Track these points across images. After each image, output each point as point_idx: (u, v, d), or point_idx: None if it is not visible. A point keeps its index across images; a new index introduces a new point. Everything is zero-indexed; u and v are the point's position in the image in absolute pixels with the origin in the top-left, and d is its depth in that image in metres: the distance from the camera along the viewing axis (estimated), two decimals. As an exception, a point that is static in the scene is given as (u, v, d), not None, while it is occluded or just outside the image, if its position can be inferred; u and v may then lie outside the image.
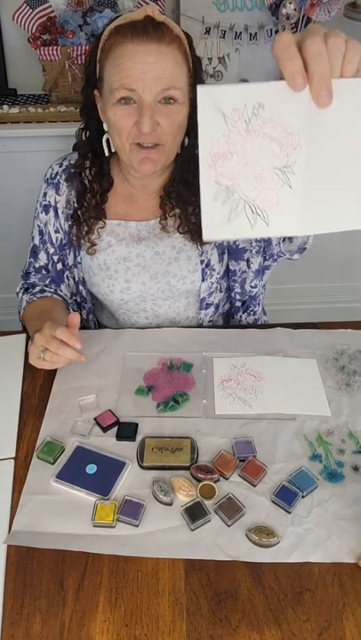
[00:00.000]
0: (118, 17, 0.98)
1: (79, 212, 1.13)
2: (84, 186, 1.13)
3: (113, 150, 1.07)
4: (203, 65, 2.07)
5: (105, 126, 1.04)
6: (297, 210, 0.63)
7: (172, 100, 0.95)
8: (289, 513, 0.81)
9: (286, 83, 0.56)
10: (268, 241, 1.14)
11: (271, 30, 2.07)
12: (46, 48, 1.89)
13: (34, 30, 1.91)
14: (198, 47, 2.08)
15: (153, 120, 0.95)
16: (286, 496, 0.82)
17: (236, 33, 2.07)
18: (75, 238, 1.15)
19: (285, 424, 0.94)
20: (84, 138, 1.11)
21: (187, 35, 0.99)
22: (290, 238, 1.11)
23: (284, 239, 1.12)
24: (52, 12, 1.92)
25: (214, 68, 2.13)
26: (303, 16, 1.98)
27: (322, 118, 0.58)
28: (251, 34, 2.08)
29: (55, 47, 1.89)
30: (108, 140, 1.06)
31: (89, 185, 1.12)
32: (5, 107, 1.96)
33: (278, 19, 2.01)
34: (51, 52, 1.89)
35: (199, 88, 0.58)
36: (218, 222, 0.64)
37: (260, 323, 1.31)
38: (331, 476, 0.86)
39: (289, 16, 1.98)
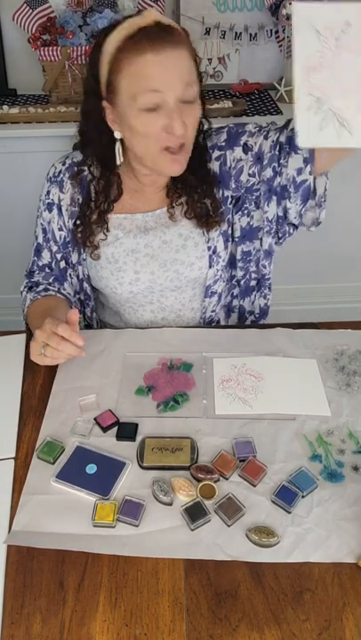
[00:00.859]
0: (116, 24, 0.97)
1: (83, 219, 1.13)
2: (90, 194, 1.13)
3: (122, 159, 1.07)
4: (203, 65, 2.10)
5: (116, 135, 1.04)
6: None
7: (191, 99, 0.97)
8: (289, 513, 0.81)
9: None
10: (282, 216, 1.15)
11: (271, 31, 2.08)
12: (46, 48, 1.89)
13: (34, 31, 1.92)
14: (198, 47, 2.09)
15: (182, 121, 0.96)
16: (286, 496, 0.82)
17: (236, 33, 2.08)
18: (79, 242, 1.16)
19: (285, 424, 0.94)
20: (94, 160, 1.11)
21: (184, 30, 1.00)
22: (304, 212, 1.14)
23: (301, 214, 1.14)
24: (52, 12, 1.92)
25: (214, 69, 2.14)
26: (303, 16, 1.97)
27: None
28: (251, 34, 2.08)
29: (55, 47, 1.89)
30: (119, 149, 1.06)
31: (95, 196, 1.13)
32: (5, 107, 1.96)
33: (278, 19, 2.01)
34: (51, 53, 1.89)
35: (295, 5, 0.64)
36: (311, 130, 0.69)
37: (270, 310, 1.32)
38: (331, 476, 0.86)
39: (289, 16, 1.98)
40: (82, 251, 1.18)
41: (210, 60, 2.12)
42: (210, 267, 1.18)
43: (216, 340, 1.12)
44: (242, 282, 1.27)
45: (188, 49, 0.97)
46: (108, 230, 1.14)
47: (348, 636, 0.69)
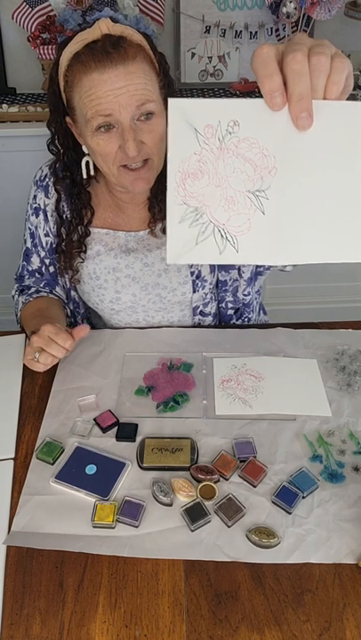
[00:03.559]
0: (70, 39, 0.92)
1: (62, 246, 1.11)
2: (62, 220, 1.11)
3: (92, 173, 1.04)
4: (203, 64, 2.10)
5: (84, 149, 1.01)
6: (270, 238, 0.59)
7: (150, 115, 0.92)
8: (289, 514, 0.81)
9: (264, 101, 0.52)
10: None
11: (272, 29, 2.07)
12: (46, 47, 1.89)
13: (33, 29, 1.91)
14: (198, 46, 2.09)
15: (137, 141, 0.92)
16: (287, 497, 0.82)
17: (237, 32, 2.07)
18: (61, 268, 1.14)
19: (286, 424, 0.94)
20: (60, 173, 1.07)
21: (145, 35, 0.95)
22: None
23: None
24: (52, 10, 1.92)
25: (214, 67, 2.13)
26: (304, 15, 1.97)
27: (300, 141, 0.54)
28: (251, 32, 2.08)
29: (54, 46, 1.88)
30: (87, 163, 1.03)
31: (69, 217, 1.10)
32: (5, 106, 1.96)
33: (278, 17, 2.00)
34: (50, 51, 1.89)
35: (170, 102, 0.53)
36: (183, 245, 0.59)
37: (259, 322, 1.30)
38: (331, 476, 0.86)
39: (289, 15, 1.98)
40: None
41: (210, 58, 2.11)
42: (194, 291, 1.15)
43: (216, 340, 1.12)
44: (219, 309, 1.23)
45: (143, 60, 0.91)
46: (85, 249, 1.12)
47: (348, 637, 0.69)
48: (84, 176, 1.05)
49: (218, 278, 1.18)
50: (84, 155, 1.03)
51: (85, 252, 1.13)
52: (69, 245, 1.11)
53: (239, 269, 1.16)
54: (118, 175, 0.98)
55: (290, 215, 0.58)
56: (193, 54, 2.10)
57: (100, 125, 0.92)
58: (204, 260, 0.61)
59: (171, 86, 0.99)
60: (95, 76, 0.88)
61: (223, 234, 0.59)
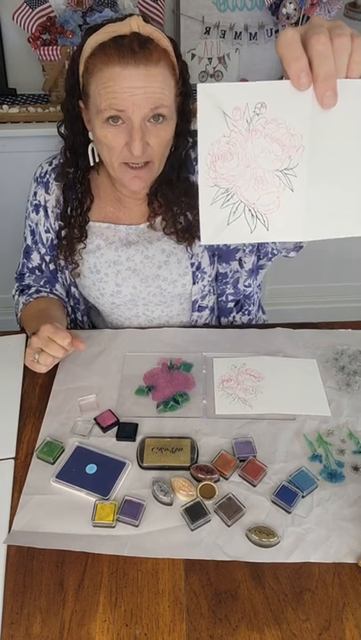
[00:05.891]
0: (99, 26, 0.93)
1: (63, 232, 1.12)
2: (65, 206, 1.11)
3: (97, 160, 1.05)
4: (203, 65, 2.10)
5: (91, 135, 1.02)
6: (299, 214, 0.61)
7: (161, 118, 0.93)
8: (289, 513, 0.81)
9: (290, 82, 0.54)
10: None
11: (271, 30, 2.08)
12: (46, 48, 1.89)
13: (34, 30, 1.91)
14: (198, 47, 2.09)
15: (143, 142, 0.93)
16: (286, 496, 0.82)
17: (236, 33, 2.07)
18: (61, 259, 1.15)
19: (285, 424, 0.94)
20: (68, 155, 1.08)
21: (172, 41, 0.96)
22: None
23: None
24: (52, 11, 1.92)
25: (214, 68, 2.14)
26: (303, 16, 1.98)
27: (326, 120, 0.56)
28: (251, 33, 2.08)
29: (55, 47, 1.89)
30: (92, 150, 1.04)
31: (70, 205, 1.11)
32: (5, 106, 1.96)
33: (278, 18, 2.01)
34: (50, 52, 1.89)
35: (199, 87, 0.55)
36: (216, 226, 0.62)
37: (257, 322, 1.30)
38: (331, 476, 0.86)
39: (289, 16, 1.98)
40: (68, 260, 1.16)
41: (210, 59, 2.12)
42: (194, 283, 1.16)
43: (216, 340, 1.12)
44: (219, 302, 1.23)
45: (165, 66, 0.91)
46: (86, 237, 1.13)
47: (348, 637, 0.69)
48: (91, 163, 1.05)
49: (218, 271, 1.18)
50: (90, 141, 1.04)
51: (86, 237, 1.13)
52: (70, 233, 1.12)
53: (240, 260, 1.17)
54: (119, 170, 0.99)
55: (318, 191, 0.60)
56: (193, 55, 2.10)
57: (111, 117, 0.92)
58: (236, 239, 0.64)
59: (187, 96, 0.99)
60: (117, 70, 0.89)
61: (254, 213, 0.61)
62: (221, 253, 1.15)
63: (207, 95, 0.56)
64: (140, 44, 0.88)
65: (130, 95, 0.89)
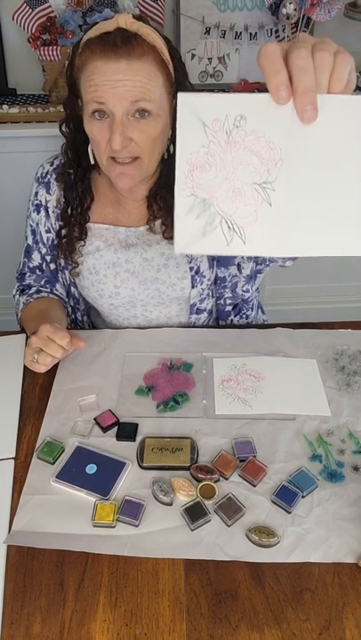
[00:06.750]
0: (94, 25, 0.95)
1: (63, 231, 1.12)
2: (67, 203, 1.12)
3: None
4: (203, 65, 2.10)
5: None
6: (276, 229, 0.60)
7: (145, 113, 0.93)
8: (289, 513, 0.81)
9: (270, 95, 0.54)
10: None
11: (271, 30, 2.08)
12: (46, 48, 1.89)
13: (34, 30, 1.92)
14: (198, 47, 2.09)
15: (124, 136, 0.93)
16: (286, 496, 0.82)
17: (237, 33, 2.08)
18: (61, 258, 1.15)
19: (285, 424, 0.94)
20: (69, 154, 1.08)
21: (166, 39, 0.96)
22: None
23: None
24: (52, 11, 1.92)
25: (214, 68, 2.14)
26: (303, 16, 1.98)
27: (306, 135, 0.55)
28: (251, 34, 2.08)
29: (55, 47, 1.89)
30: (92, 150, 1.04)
31: (71, 204, 1.11)
32: (5, 106, 1.96)
33: (278, 19, 2.01)
34: (50, 52, 1.89)
35: (179, 96, 0.55)
36: (191, 235, 0.61)
37: (257, 323, 1.30)
38: (331, 476, 0.86)
39: (289, 16, 1.98)
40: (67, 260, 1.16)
41: (210, 59, 2.12)
42: (193, 287, 1.16)
43: (216, 340, 1.12)
44: (217, 305, 1.23)
45: (151, 61, 0.91)
46: (86, 236, 1.13)
47: (348, 636, 0.69)
48: (91, 161, 1.06)
49: (217, 275, 1.18)
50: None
51: (86, 235, 1.13)
52: (70, 232, 1.12)
53: (238, 265, 1.17)
54: (107, 165, 0.99)
55: (296, 207, 0.59)
56: (193, 55, 2.10)
57: (95, 111, 0.93)
58: (211, 250, 0.62)
59: (172, 96, 0.98)
60: (99, 63, 0.90)
61: (230, 225, 0.60)
62: (220, 258, 1.15)
63: (187, 105, 0.55)
64: (124, 39, 0.89)
65: (110, 87, 0.90)
